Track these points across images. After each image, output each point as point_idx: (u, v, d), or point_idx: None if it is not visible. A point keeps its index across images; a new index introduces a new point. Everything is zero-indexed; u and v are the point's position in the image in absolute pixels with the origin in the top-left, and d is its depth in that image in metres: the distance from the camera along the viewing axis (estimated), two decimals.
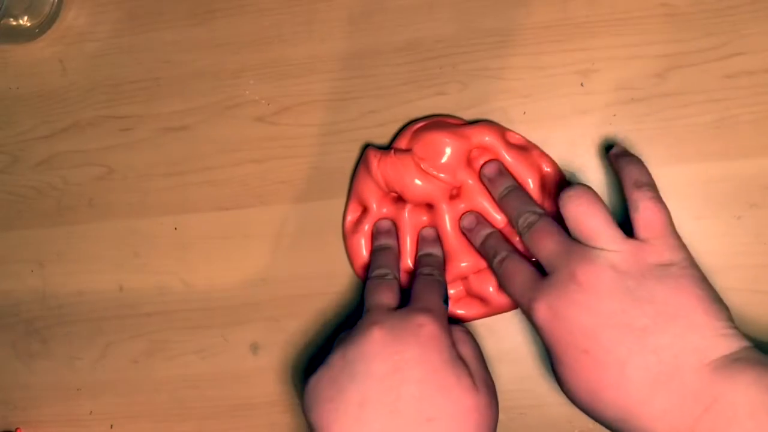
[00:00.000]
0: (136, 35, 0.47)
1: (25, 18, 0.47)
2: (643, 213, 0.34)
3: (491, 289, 0.41)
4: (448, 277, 0.42)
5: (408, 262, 0.42)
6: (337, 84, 0.44)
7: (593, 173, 0.42)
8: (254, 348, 0.45)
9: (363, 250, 0.43)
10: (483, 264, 0.41)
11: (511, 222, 0.39)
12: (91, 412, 0.47)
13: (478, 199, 0.41)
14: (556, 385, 0.36)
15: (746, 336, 0.33)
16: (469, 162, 0.41)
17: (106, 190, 0.47)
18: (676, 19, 0.41)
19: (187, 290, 0.46)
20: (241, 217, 0.45)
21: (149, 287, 0.47)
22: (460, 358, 0.35)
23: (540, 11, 0.42)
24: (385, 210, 0.43)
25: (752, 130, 0.41)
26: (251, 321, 0.45)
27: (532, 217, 0.37)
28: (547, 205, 0.41)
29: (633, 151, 0.40)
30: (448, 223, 0.41)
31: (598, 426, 0.34)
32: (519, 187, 0.40)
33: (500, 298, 0.41)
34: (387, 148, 0.43)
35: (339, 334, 0.38)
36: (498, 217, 0.41)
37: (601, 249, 0.34)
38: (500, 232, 0.41)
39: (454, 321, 0.42)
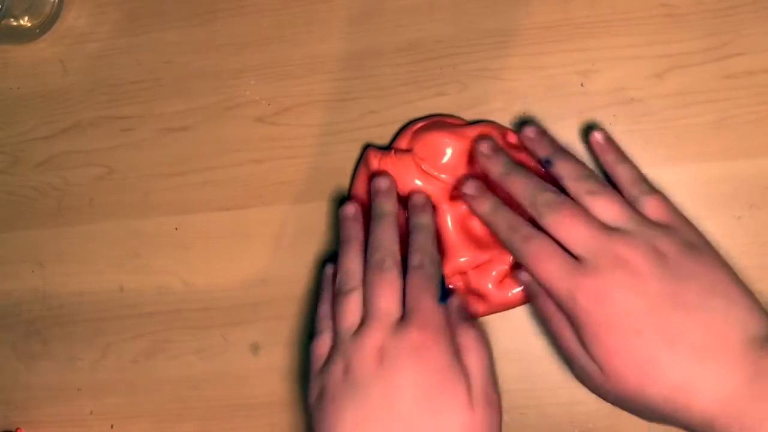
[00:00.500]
0: (137, 36, 0.47)
1: (26, 18, 0.47)
2: (649, 205, 0.36)
3: (490, 285, 0.41)
4: (447, 271, 0.41)
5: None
6: (338, 84, 0.45)
7: None
8: (254, 348, 0.45)
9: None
10: (482, 259, 0.41)
11: (521, 201, 0.38)
12: (91, 412, 0.47)
13: None
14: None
15: None
16: (469, 162, 0.41)
17: (107, 191, 0.47)
18: (676, 19, 0.41)
19: (187, 290, 0.46)
20: (242, 217, 0.46)
21: (150, 287, 0.47)
22: (462, 370, 0.35)
23: (540, 11, 0.42)
24: None
25: (752, 130, 0.41)
26: (251, 321, 0.45)
27: (550, 196, 0.36)
28: None
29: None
30: (449, 224, 0.41)
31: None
32: (520, 165, 0.39)
33: (499, 295, 0.41)
34: (387, 148, 0.43)
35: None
36: None
37: (636, 229, 0.35)
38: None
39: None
